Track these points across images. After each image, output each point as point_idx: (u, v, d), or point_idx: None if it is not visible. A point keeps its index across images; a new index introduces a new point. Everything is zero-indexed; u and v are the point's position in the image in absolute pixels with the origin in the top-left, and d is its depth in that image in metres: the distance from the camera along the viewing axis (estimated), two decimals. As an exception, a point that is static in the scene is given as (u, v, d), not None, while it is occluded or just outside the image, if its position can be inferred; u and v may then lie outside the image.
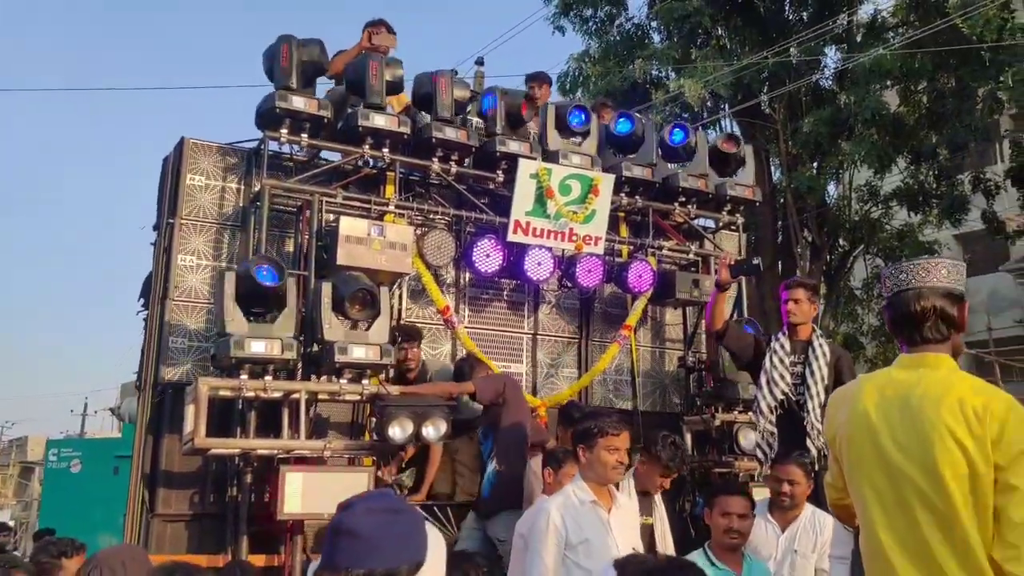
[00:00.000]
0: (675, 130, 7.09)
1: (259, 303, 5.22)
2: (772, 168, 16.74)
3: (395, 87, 6.19)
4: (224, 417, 5.27)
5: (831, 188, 16.68)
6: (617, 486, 4.18)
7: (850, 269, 17.51)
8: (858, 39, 15.84)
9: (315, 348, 5.42)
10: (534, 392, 6.55)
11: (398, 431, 5.12)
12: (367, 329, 5.42)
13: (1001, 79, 13.43)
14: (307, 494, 4.98)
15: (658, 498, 4.82)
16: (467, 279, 6.62)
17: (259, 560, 5.12)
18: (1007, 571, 2.19)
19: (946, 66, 14.18)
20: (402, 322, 6.16)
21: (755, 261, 6.12)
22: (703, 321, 7.22)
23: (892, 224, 17.18)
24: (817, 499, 4.83)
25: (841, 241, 17.04)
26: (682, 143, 7.02)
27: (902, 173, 16.07)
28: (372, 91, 5.91)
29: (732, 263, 5.72)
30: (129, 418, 13.31)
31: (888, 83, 14.74)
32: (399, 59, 6.22)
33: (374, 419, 5.46)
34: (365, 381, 5.35)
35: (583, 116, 6.61)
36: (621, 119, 6.87)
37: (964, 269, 2.57)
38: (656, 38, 16.90)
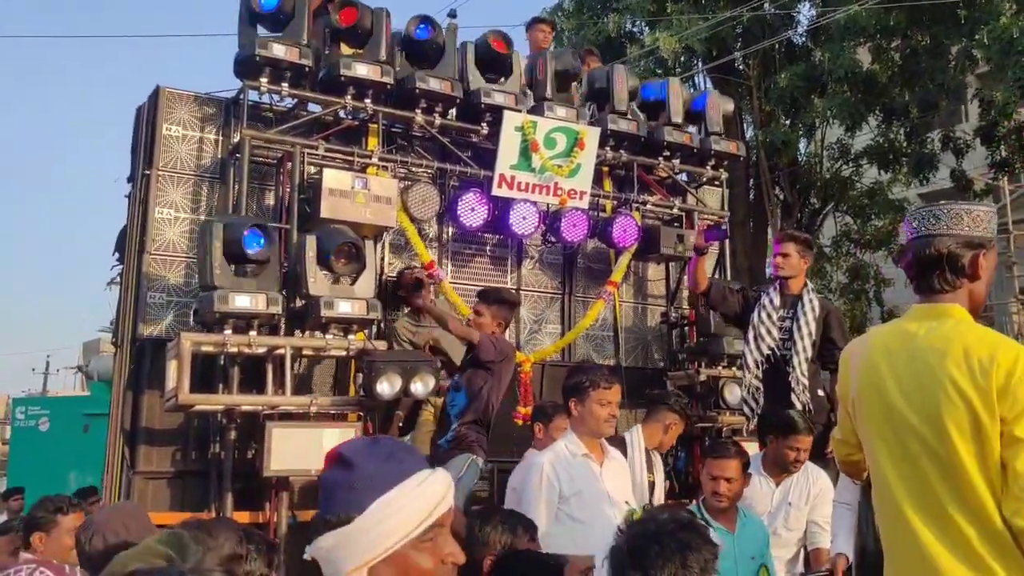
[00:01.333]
0: (648, 87, 7.04)
1: (242, 257, 5.08)
2: (745, 125, 16.72)
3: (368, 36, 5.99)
4: (207, 373, 5.17)
5: (803, 145, 16.71)
6: (622, 445, 4.16)
7: (820, 227, 17.62)
8: (833, -5, 15.76)
9: (299, 303, 5.32)
10: (518, 348, 6.50)
11: (386, 387, 5.05)
12: (352, 283, 5.32)
13: (976, 36, 13.44)
14: (293, 450, 4.92)
15: (656, 455, 4.82)
16: (450, 233, 6.52)
17: (243, 517, 5.06)
18: (1015, 525, 2.16)
19: (920, 23, 14.17)
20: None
21: (723, 227, 6.25)
22: (685, 277, 7.23)
23: (862, 182, 17.28)
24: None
25: (812, 199, 17.11)
26: (661, 99, 6.97)
27: (873, 131, 16.13)
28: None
29: (706, 228, 5.69)
30: (98, 376, 13.11)
31: (862, 40, 14.69)
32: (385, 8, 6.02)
33: (360, 375, 5.39)
34: (351, 336, 5.27)
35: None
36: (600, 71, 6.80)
37: (995, 216, 2.50)
38: (631, -8, 16.68)
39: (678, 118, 7.00)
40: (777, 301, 5.39)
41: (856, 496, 3.19)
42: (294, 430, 4.98)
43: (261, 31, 5.60)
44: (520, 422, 5.89)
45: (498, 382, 5.09)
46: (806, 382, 5.29)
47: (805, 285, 5.47)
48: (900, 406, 2.35)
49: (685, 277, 5.72)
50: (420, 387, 5.23)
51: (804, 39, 16.26)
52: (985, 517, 2.20)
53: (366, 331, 5.46)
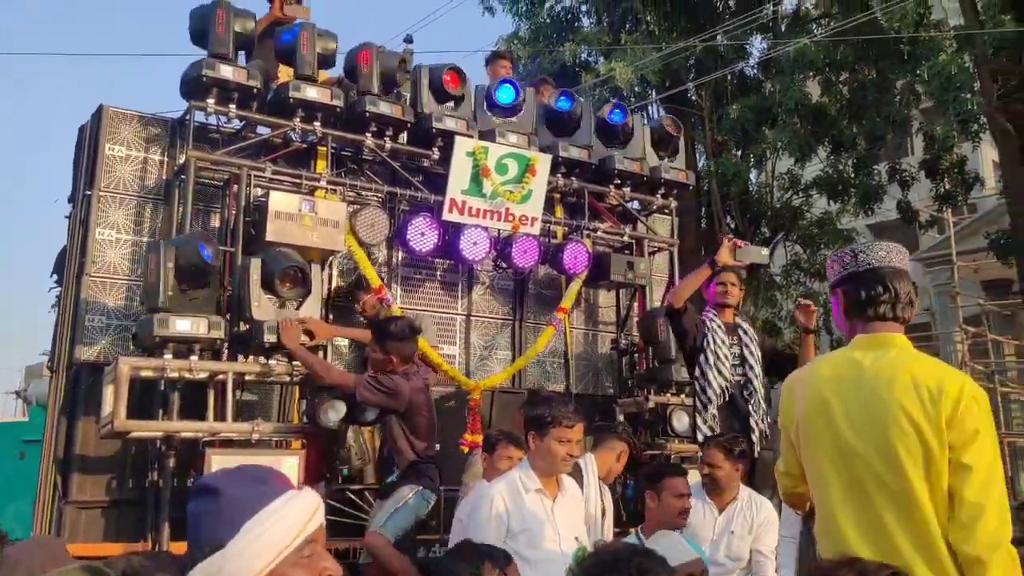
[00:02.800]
0: (614, 111, 7.04)
1: (189, 280, 4.97)
2: (697, 155, 16.94)
3: (326, 61, 5.96)
4: (145, 399, 5.04)
5: (754, 175, 16.97)
6: (577, 472, 4.10)
7: (771, 256, 17.85)
8: (783, 29, 16.11)
9: (243, 327, 5.21)
10: (467, 374, 6.45)
11: (331, 414, 4.96)
12: (297, 308, 5.24)
13: (919, 72, 13.80)
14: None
15: (604, 485, 4.77)
16: (400, 258, 6.47)
17: (182, 548, 4.89)
18: (962, 552, 2.18)
19: (867, 58, 14.53)
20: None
21: (764, 251, 5.72)
22: (635, 304, 7.25)
23: (812, 212, 17.58)
24: (751, 481, 4.88)
25: (763, 228, 17.36)
26: (620, 123, 6.98)
27: (822, 162, 16.44)
28: (304, 62, 5.69)
29: (740, 246, 5.32)
30: (37, 401, 12.74)
31: (811, 73, 15.01)
32: (333, 32, 5.99)
33: (305, 401, 5.29)
34: (296, 362, 5.17)
35: (513, 92, 6.50)
36: (562, 97, 6.78)
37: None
38: (586, 22, 16.90)
39: (627, 146, 7.04)
40: (724, 328, 5.40)
41: (799, 527, 3.19)
42: (235, 458, 4.85)
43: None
44: (467, 449, 5.82)
45: (414, 416, 4.96)
46: (765, 407, 5.32)
47: (736, 314, 5.51)
48: (849, 435, 2.35)
49: (679, 288, 5.38)
50: (369, 414, 5.16)
51: (755, 71, 16.59)
52: (932, 546, 2.21)
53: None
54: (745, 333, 5.38)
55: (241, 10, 5.56)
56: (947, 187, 16.05)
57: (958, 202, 16.95)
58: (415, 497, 4.86)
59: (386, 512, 4.80)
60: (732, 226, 16.68)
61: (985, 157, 19.60)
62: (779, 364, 5.47)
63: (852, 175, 16.12)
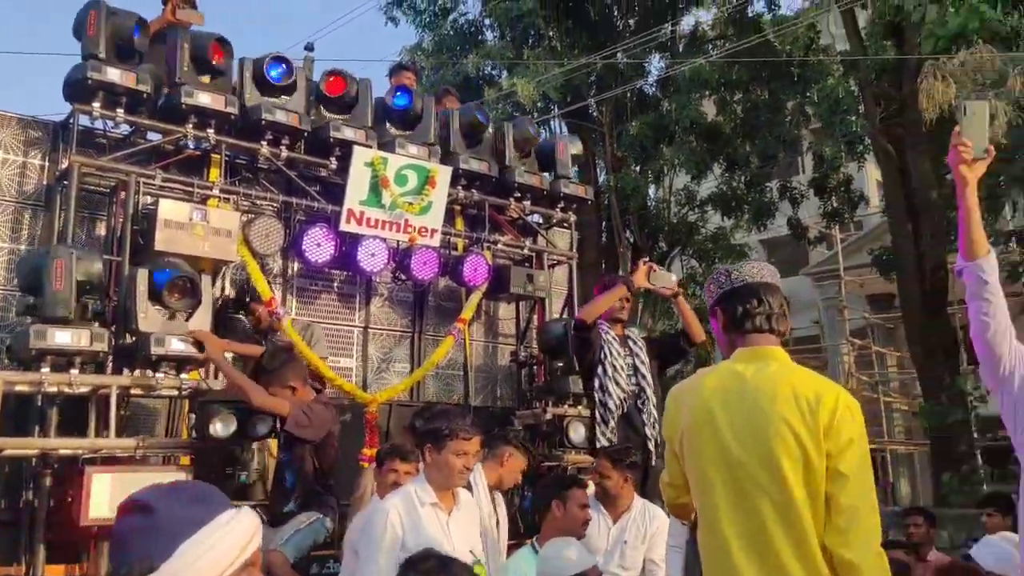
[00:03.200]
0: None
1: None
2: (598, 170, 17.23)
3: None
4: (21, 414, 4.77)
5: (652, 191, 17.36)
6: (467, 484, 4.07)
7: (668, 270, 18.26)
8: (680, 48, 16.55)
9: (128, 339, 5.02)
10: (364, 387, 6.36)
11: (220, 428, 4.82)
12: (187, 319, 5.07)
13: (808, 94, 14.38)
14: (116, 497, 4.58)
15: (498, 494, 4.76)
16: (296, 269, 6.35)
17: (58, 571, 4.69)
18: (838, 556, 2.26)
19: (760, 79, 15.06)
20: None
21: (673, 278, 5.83)
22: (535, 316, 7.30)
23: (707, 227, 18.08)
24: (644, 490, 4.96)
25: (661, 242, 17.75)
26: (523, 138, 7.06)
27: (717, 179, 16.95)
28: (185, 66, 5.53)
29: (655, 270, 5.57)
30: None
31: (707, 92, 15.47)
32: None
33: (193, 415, 5.12)
34: (184, 375, 5.00)
35: (406, 98, 6.47)
36: (464, 110, 6.79)
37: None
38: (490, 36, 17.01)
39: (532, 163, 7.10)
40: (618, 341, 5.48)
41: (685, 536, 3.24)
42: (117, 475, 4.65)
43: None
44: (365, 464, 5.72)
45: (327, 447, 4.91)
46: (657, 415, 5.42)
47: (624, 326, 5.61)
48: (733, 446, 2.40)
49: (594, 305, 5.44)
50: (261, 428, 5.03)
51: (654, 89, 16.98)
52: (811, 553, 2.28)
53: (201, 370, 5.20)
54: (635, 343, 5.48)
55: (120, 11, 5.34)
56: (834, 205, 16.76)
57: (845, 219, 17.71)
58: (317, 522, 4.78)
59: (286, 533, 4.69)
60: (631, 240, 17.00)
61: (870, 177, 20.53)
62: (674, 346, 5.65)
63: (745, 192, 16.67)
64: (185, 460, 5.10)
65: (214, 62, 5.59)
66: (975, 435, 13.17)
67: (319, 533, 4.82)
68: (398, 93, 6.48)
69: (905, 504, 17.44)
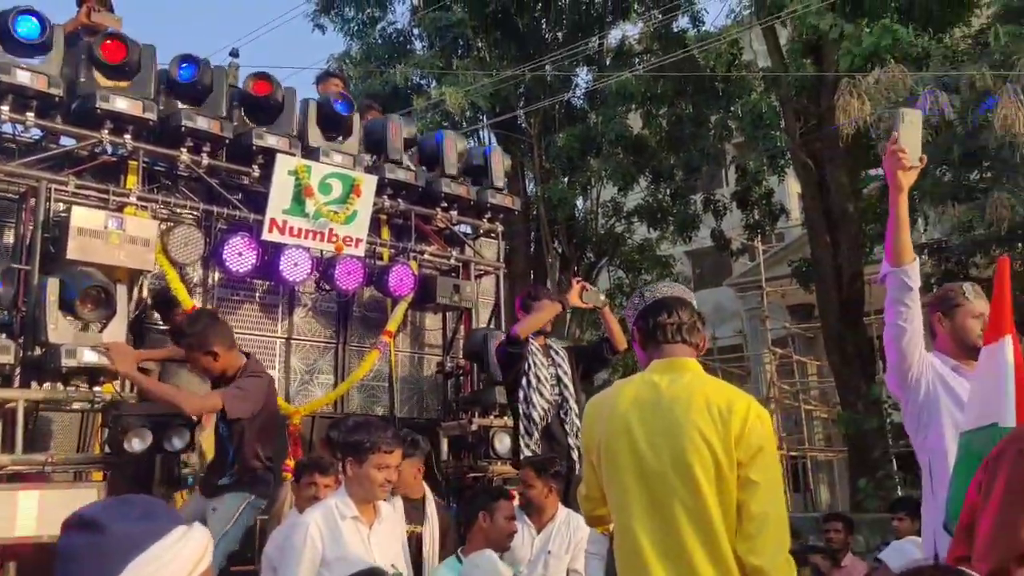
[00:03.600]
0: (440, 135, 7.10)
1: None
2: (526, 180, 17.33)
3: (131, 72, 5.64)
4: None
5: (580, 202, 17.53)
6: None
7: (595, 280, 18.46)
8: (607, 62, 16.77)
9: (37, 351, 4.84)
10: (288, 399, 6.26)
11: (136, 443, 4.67)
12: (100, 331, 4.92)
13: (732, 109, 14.71)
14: (21, 515, 4.41)
15: (430, 506, 4.72)
16: (216, 279, 6.21)
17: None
18: (747, 562, 2.31)
19: (684, 94, 15.34)
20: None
21: (603, 296, 5.86)
22: (462, 326, 7.28)
23: (633, 239, 18.33)
24: (567, 499, 4.97)
25: (588, 253, 17.93)
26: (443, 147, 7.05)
27: (643, 191, 17.20)
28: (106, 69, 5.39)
29: (588, 289, 5.61)
30: None
31: (633, 106, 15.71)
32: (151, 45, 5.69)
33: (107, 430, 4.96)
34: (97, 388, 4.85)
35: (345, 107, 6.42)
36: (402, 118, 6.77)
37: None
38: (418, 45, 17.00)
39: (453, 170, 7.09)
40: (541, 352, 5.50)
41: (607, 544, 3.27)
42: (24, 492, 4.48)
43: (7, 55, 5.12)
44: (288, 476, 5.63)
45: (263, 419, 4.71)
46: (580, 425, 5.45)
47: (546, 336, 5.64)
48: (649, 455, 2.43)
49: (530, 321, 5.44)
50: (177, 442, 4.90)
51: (581, 102, 17.16)
52: (726, 562, 2.32)
53: (115, 382, 5.04)
54: (557, 353, 5.51)
55: (26, 9, 5.16)
56: (756, 217, 17.17)
57: (766, 231, 18.15)
58: (246, 509, 4.63)
59: (217, 532, 4.57)
60: (559, 250, 17.14)
61: (790, 190, 21.08)
62: (597, 355, 5.70)
63: (670, 204, 16.96)
64: (97, 475, 4.94)
65: (120, 61, 5.43)
66: (889, 441, 13.59)
67: (250, 519, 4.68)
68: (338, 103, 6.43)
69: (825, 510, 17.89)
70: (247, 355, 4.91)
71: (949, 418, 2.80)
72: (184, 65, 5.74)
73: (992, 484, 1.98)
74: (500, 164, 7.42)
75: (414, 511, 4.59)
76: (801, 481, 20.33)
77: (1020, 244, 10.19)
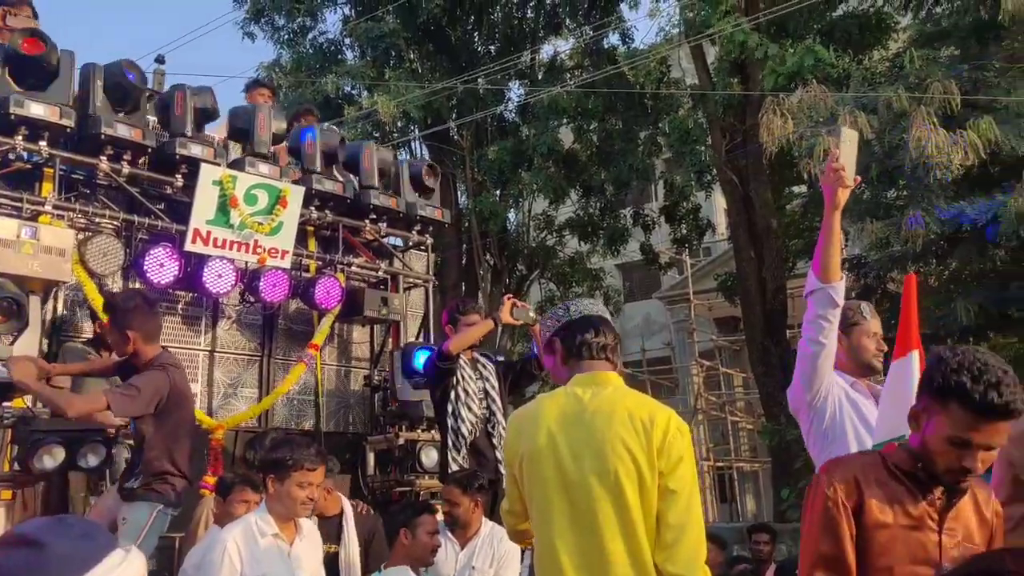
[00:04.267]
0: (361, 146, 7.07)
1: None
2: (458, 192, 17.33)
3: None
4: None
5: (512, 215, 17.61)
6: None
7: (527, 292, 18.54)
8: (540, 76, 16.91)
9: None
10: (210, 414, 6.12)
11: (47, 460, 4.52)
12: (11, 343, 4.75)
13: (660, 125, 14.96)
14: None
15: (349, 524, 4.66)
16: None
17: None
18: (666, 571, 2.34)
19: (614, 109, 15.55)
20: None
21: (533, 313, 5.73)
22: (390, 339, 7.23)
23: (564, 252, 18.48)
24: (492, 514, 4.97)
25: (520, 266, 18.00)
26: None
27: (574, 205, 17.36)
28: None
29: (519, 306, 5.51)
30: None
31: (564, 120, 15.86)
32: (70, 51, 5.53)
33: (16, 446, 4.79)
34: (7, 403, 4.68)
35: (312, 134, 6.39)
36: (309, 131, 6.69)
37: None
38: (350, 55, 16.89)
39: (385, 181, 7.06)
40: (469, 366, 5.49)
41: (528, 562, 3.28)
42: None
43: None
44: (208, 493, 5.50)
45: (172, 416, 4.36)
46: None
47: (473, 348, 5.63)
48: (573, 467, 2.44)
49: (462, 338, 5.37)
50: (92, 459, 4.76)
51: (513, 115, 17.26)
52: (648, 573, 2.34)
53: (27, 396, 4.87)
54: (485, 367, 5.50)
55: None
56: (684, 232, 17.47)
57: (693, 246, 18.47)
58: (157, 518, 4.45)
59: (126, 540, 4.42)
60: (491, 263, 17.16)
61: (717, 205, 21.52)
62: (524, 371, 5.70)
63: (601, 218, 17.14)
64: (6, 494, 4.76)
65: (38, 54, 5.26)
66: (811, 452, 13.86)
67: (163, 526, 4.39)
68: (308, 134, 6.38)
69: (750, 520, 18.23)
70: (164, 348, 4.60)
71: (854, 434, 2.88)
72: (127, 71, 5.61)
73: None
74: (431, 176, 7.41)
75: (329, 529, 4.53)
76: (727, 492, 20.68)
77: (934, 260, 10.55)
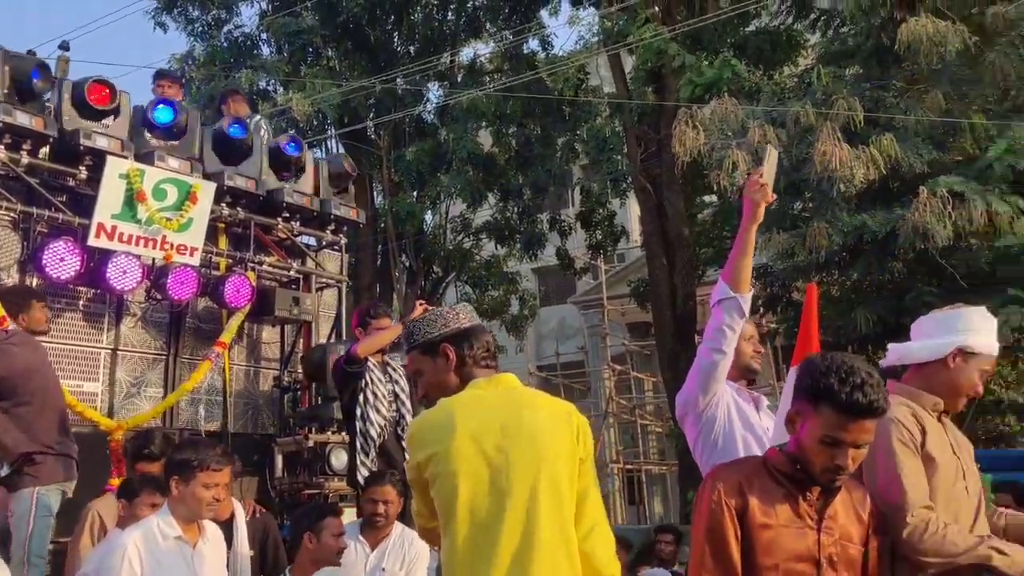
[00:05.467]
0: (290, 143, 6.95)
1: None
2: (375, 193, 17.20)
3: None
4: None
5: (429, 217, 17.55)
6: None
7: (443, 294, 18.50)
8: (459, 79, 16.91)
9: None
10: (110, 414, 5.94)
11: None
12: None
13: (578, 132, 15.13)
14: None
15: (240, 527, 4.56)
16: (35, 285, 5.82)
17: None
18: (594, 556, 2.41)
19: (533, 115, 15.65)
20: None
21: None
22: (300, 340, 7.13)
23: (481, 255, 18.51)
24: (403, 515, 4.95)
25: (436, 268, 17.96)
26: (295, 156, 6.91)
27: (492, 208, 17.40)
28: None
29: (428, 310, 5.52)
30: None
31: (483, 124, 15.89)
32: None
33: None
34: None
35: (171, 113, 6.19)
36: (235, 124, 6.55)
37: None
38: (266, 50, 16.59)
39: (299, 179, 6.96)
40: (379, 368, 5.45)
41: (436, 562, 3.27)
42: None
43: None
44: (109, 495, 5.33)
45: (21, 393, 4.28)
46: None
47: (384, 352, 5.61)
48: (501, 462, 2.43)
49: (372, 341, 5.31)
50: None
51: (432, 117, 17.21)
52: (576, 561, 2.38)
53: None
54: (395, 371, 5.48)
55: None
56: (599, 238, 17.68)
57: (608, 252, 18.72)
58: (39, 499, 4.29)
59: (21, 538, 4.26)
60: (407, 265, 17.08)
61: (632, 213, 21.88)
62: None
63: (518, 222, 17.23)
64: None
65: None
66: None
67: (50, 503, 4.35)
68: (159, 106, 6.16)
69: (657, 522, 18.55)
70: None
71: (742, 441, 2.96)
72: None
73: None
74: (343, 175, 7.35)
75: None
76: (636, 494, 21.01)
77: (836, 271, 10.94)
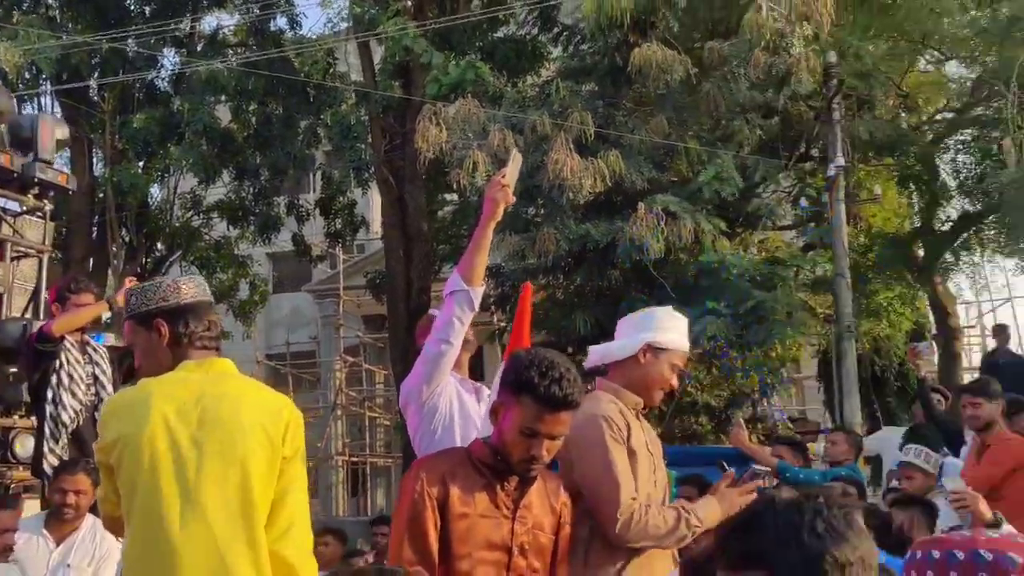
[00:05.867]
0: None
1: None
2: (95, 159, 15.86)
3: None
4: None
5: (155, 190, 16.46)
6: None
7: (165, 274, 17.42)
8: (199, 48, 16.00)
9: None
10: None
11: None
12: None
13: (322, 116, 14.82)
14: None
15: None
16: None
17: None
18: (280, 556, 2.33)
19: (276, 94, 15.12)
20: None
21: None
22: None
23: (211, 235, 17.62)
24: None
25: (159, 245, 16.89)
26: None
27: (226, 187, 16.62)
28: None
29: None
30: None
31: (222, 98, 15.14)
32: None
33: None
34: None
35: None
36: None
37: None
38: (-28, -9, 14.78)
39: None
40: (77, 348, 5.00)
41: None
42: None
43: None
44: None
45: None
46: None
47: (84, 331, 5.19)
48: (192, 453, 2.31)
49: (69, 318, 4.76)
50: None
51: (166, 85, 16.17)
52: (263, 558, 2.30)
53: None
54: (96, 351, 5.07)
55: None
56: (338, 226, 17.44)
57: (346, 241, 18.50)
58: None
59: None
60: (127, 239, 15.92)
61: (374, 203, 21.79)
62: None
63: (253, 203, 16.58)
64: None
65: None
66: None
67: None
68: None
69: (378, 514, 18.63)
70: None
71: (460, 431, 3.06)
72: None
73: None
74: (51, 135, 6.68)
75: None
76: (360, 486, 20.97)
77: (561, 275, 11.54)
